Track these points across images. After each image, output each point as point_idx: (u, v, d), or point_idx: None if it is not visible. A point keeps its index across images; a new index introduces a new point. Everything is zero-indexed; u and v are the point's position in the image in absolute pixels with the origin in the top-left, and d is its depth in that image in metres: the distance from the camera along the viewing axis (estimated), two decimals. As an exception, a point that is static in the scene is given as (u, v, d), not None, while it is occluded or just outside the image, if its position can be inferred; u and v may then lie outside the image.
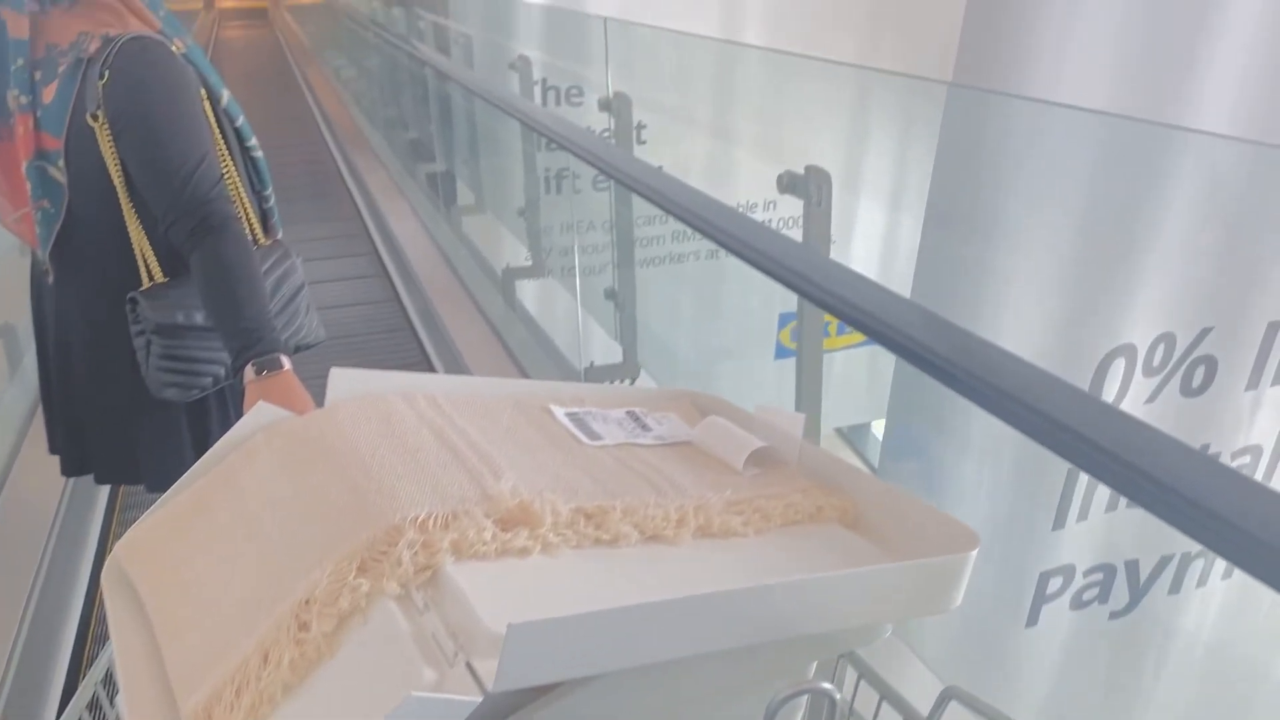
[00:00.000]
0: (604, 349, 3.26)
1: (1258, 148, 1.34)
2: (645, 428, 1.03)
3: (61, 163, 1.50)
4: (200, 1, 18.80)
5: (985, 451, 1.69)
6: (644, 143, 3.30)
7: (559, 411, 1.02)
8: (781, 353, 4.39)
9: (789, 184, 1.55)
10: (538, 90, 3.82)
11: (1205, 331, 1.57)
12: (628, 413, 1.06)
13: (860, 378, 3.92)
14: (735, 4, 4.11)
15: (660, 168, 3.79)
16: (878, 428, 5.99)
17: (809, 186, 1.49)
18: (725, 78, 4.13)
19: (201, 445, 1.68)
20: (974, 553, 0.79)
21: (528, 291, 3.88)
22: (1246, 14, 1.25)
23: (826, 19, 4.16)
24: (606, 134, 3.88)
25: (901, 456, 1.88)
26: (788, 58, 3.83)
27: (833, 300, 1.20)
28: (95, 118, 1.46)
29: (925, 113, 4.24)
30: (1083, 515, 1.74)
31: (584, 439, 0.97)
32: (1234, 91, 1.30)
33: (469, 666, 0.62)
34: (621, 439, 0.99)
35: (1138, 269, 1.44)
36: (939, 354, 1.03)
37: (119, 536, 1.06)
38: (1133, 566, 1.86)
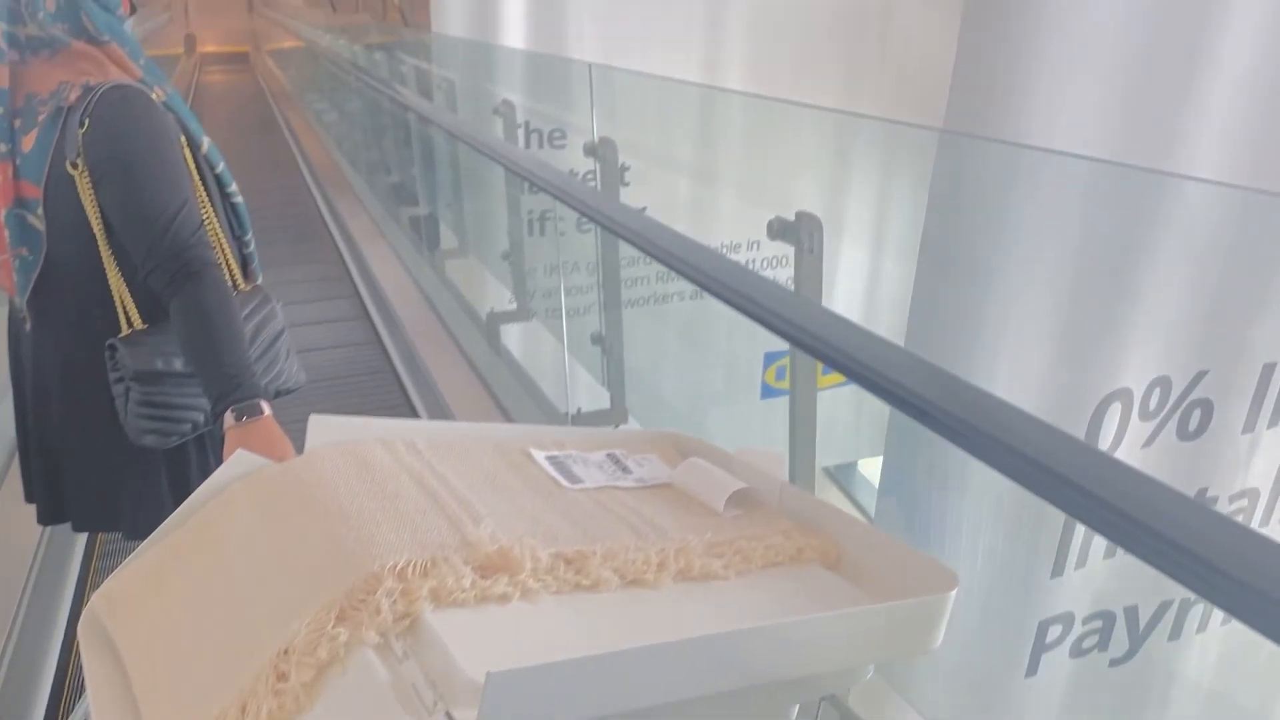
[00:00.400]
0: (590, 393, 3.24)
1: (1246, 193, 1.33)
2: (626, 470, 1.03)
3: (40, 210, 1.50)
4: (181, 46, 18.88)
5: (983, 498, 1.67)
6: (627, 184, 3.30)
7: (539, 455, 1.02)
8: (767, 392, 4.36)
9: (780, 230, 1.53)
10: (521, 133, 3.82)
11: (1201, 374, 1.56)
12: (608, 455, 1.06)
13: (846, 417, 3.90)
14: (717, 50, 4.15)
15: (644, 209, 3.81)
16: (865, 466, 5.97)
17: (800, 233, 1.47)
18: (707, 121, 4.16)
19: (180, 492, 1.65)
20: (953, 593, 0.79)
21: (513, 336, 3.85)
22: (1236, 60, 1.25)
23: (810, 65, 4.21)
24: (589, 176, 3.88)
25: (898, 503, 1.85)
26: (769, 102, 3.85)
27: (829, 351, 1.18)
28: (75, 166, 1.46)
29: (910, 157, 4.29)
30: (1081, 562, 1.72)
31: (564, 483, 0.98)
32: (1225, 136, 1.30)
33: (448, 716, 0.62)
34: (602, 482, 1.00)
35: (1132, 313, 1.43)
36: (934, 404, 1.02)
37: (96, 584, 1.04)
38: (1132, 613, 1.83)
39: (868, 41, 4.28)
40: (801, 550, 0.91)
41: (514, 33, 3.87)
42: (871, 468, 5.73)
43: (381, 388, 4.15)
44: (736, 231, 4.39)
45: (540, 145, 3.97)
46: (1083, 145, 1.29)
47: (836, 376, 1.18)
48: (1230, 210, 1.37)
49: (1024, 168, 1.28)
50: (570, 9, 3.86)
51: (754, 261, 4.42)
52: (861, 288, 4.39)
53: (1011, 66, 1.22)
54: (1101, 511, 0.83)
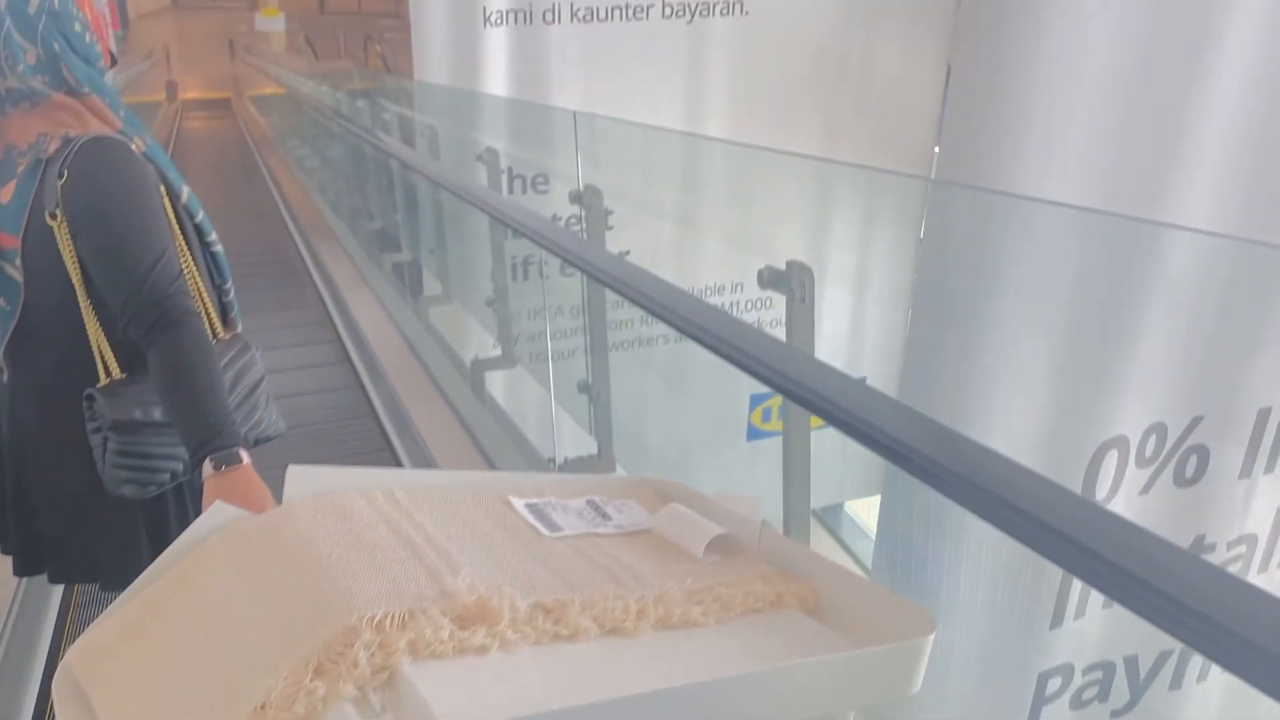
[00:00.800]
0: (576, 439, 3.21)
1: (1237, 242, 1.34)
2: (605, 517, 1.03)
3: (18, 261, 1.50)
4: (163, 93, 18.92)
5: (980, 547, 1.64)
6: (611, 228, 3.31)
7: (519, 503, 1.02)
8: (753, 434, 4.35)
9: (770, 279, 1.52)
10: (504, 178, 3.83)
11: (1196, 420, 1.55)
12: (588, 502, 1.06)
13: (831, 458, 3.87)
14: (699, 98, 4.18)
15: (627, 252, 3.81)
16: (851, 508, 5.95)
17: (791, 282, 1.46)
18: (688, 167, 4.19)
19: (158, 542, 1.64)
20: (931, 637, 0.79)
21: (497, 383, 3.82)
22: (1224, 111, 1.26)
23: (789, 112, 4.25)
24: (573, 220, 3.89)
25: (895, 553, 1.82)
26: (751, 149, 3.89)
27: (823, 404, 1.17)
28: (54, 216, 1.47)
29: (894, 204, 4.33)
30: (1080, 612, 1.69)
31: (544, 530, 0.98)
32: (1214, 186, 1.30)
33: None
34: (581, 529, 1.00)
35: (1127, 360, 1.42)
36: (930, 458, 1.01)
37: (74, 636, 1.01)
38: (1132, 663, 1.81)
39: (847, 89, 4.34)
40: (781, 596, 0.91)
41: (497, 81, 3.88)
42: (859, 509, 5.71)
43: (363, 433, 4.11)
44: (720, 274, 4.42)
45: (524, 190, 3.98)
46: (1074, 196, 1.29)
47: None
48: (1221, 258, 1.38)
49: (1018, 217, 1.28)
50: (553, 58, 3.88)
51: (738, 304, 4.44)
52: (845, 330, 4.41)
53: (1002, 120, 1.22)
54: (1099, 567, 0.82)
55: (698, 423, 4.13)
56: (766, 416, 4.27)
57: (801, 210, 4.34)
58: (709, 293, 4.45)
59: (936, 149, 4.69)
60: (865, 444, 1.10)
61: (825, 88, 4.33)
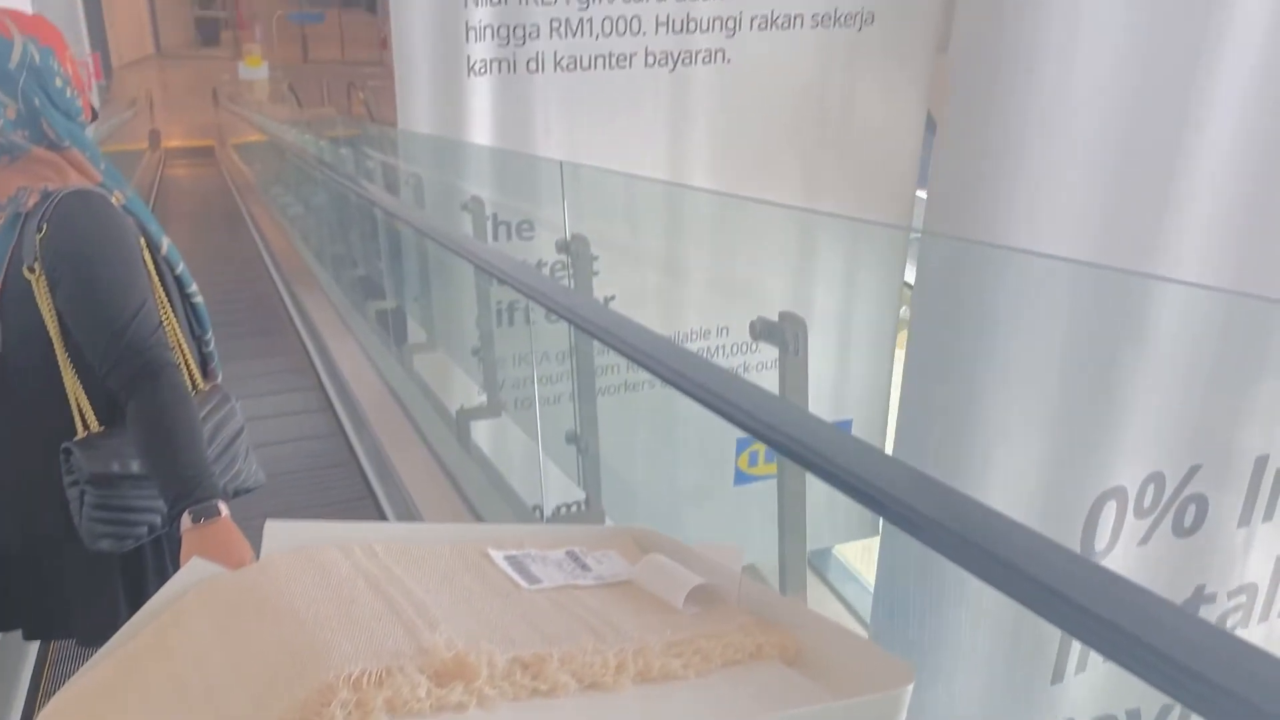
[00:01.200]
0: (562, 488, 3.17)
1: (1230, 295, 1.34)
2: (585, 568, 1.03)
3: None
4: (146, 141, 18.95)
5: (980, 605, 1.62)
6: (597, 273, 3.31)
7: (498, 555, 1.02)
8: (740, 479, 4.32)
9: (763, 331, 1.50)
10: (489, 225, 3.83)
11: (1194, 469, 1.54)
12: (567, 553, 1.06)
13: (820, 502, 3.84)
14: (681, 146, 4.21)
15: (613, 297, 3.80)
16: (840, 552, 5.90)
17: (784, 334, 1.44)
18: (672, 215, 4.21)
19: (136, 597, 1.64)
20: (909, 687, 0.79)
21: (483, 433, 3.78)
22: (1214, 163, 1.26)
23: (771, 161, 4.29)
24: (558, 266, 3.88)
25: (894, 612, 1.79)
26: (733, 197, 3.91)
27: (819, 460, 1.14)
28: (32, 270, 1.47)
29: (878, 254, 4.35)
30: (1081, 667, 1.66)
31: (523, 583, 0.97)
32: (1205, 237, 1.30)
33: None
34: (561, 581, 0.99)
35: (1124, 410, 1.41)
36: (927, 516, 1.00)
37: (49, 693, 0.98)
38: (1134, 716, 1.78)
39: (829, 134, 4.38)
40: (761, 647, 0.91)
41: (481, 129, 3.90)
42: (848, 553, 5.67)
43: (345, 482, 4.06)
44: (706, 319, 4.43)
45: (509, 237, 3.98)
46: (1065, 247, 1.29)
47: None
48: (1215, 309, 1.37)
49: (1011, 269, 1.27)
50: (537, 107, 3.91)
51: (724, 347, 4.44)
52: (830, 373, 4.41)
53: (993, 171, 1.22)
54: (1092, 625, 0.81)
55: (684, 468, 4.10)
56: (753, 461, 4.25)
57: (785, 256, 4.36)
58: (695, 336, 4.46)
59: (920, 193, 4.73)
60: (860, 500, 1.08)
61: (807, 133, 4.37)
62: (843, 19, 4.26)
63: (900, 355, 4.40)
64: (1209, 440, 1.51)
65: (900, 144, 4.49)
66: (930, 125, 4.70)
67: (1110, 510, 1.52)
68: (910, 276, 4.66)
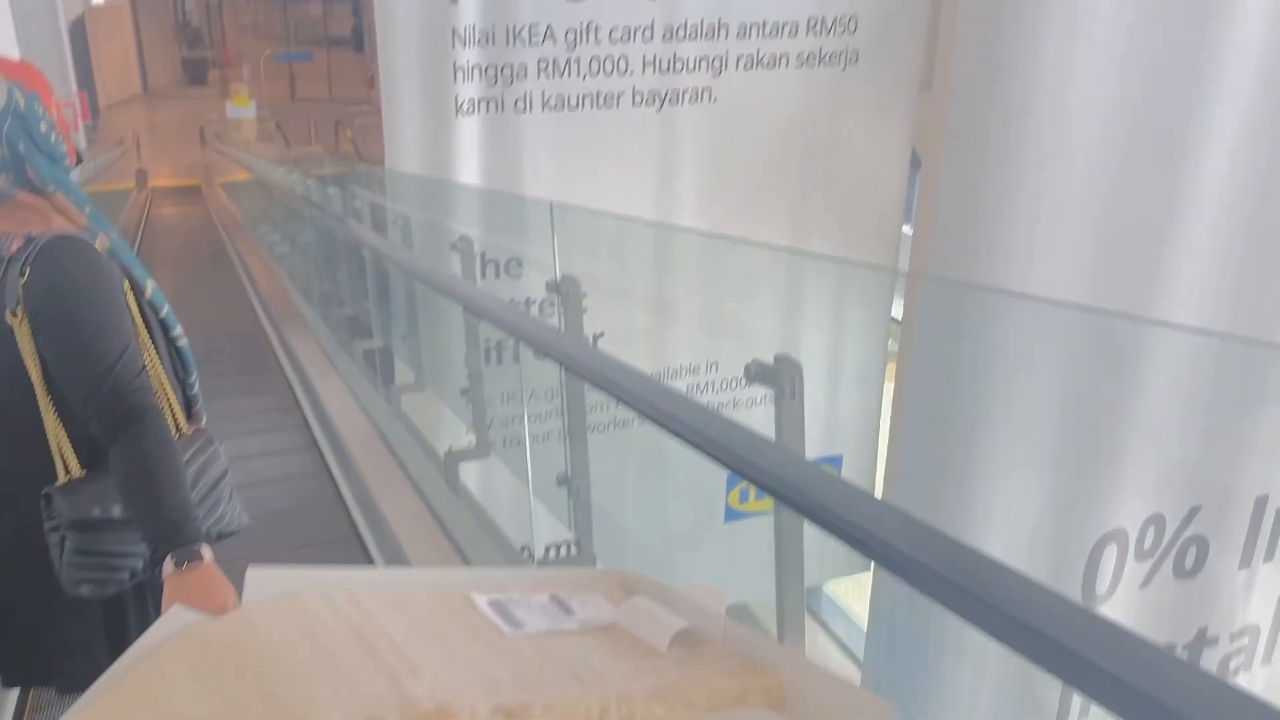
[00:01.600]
0: (551, 528, 3.14)
1: (1229, 340, 1.33)
2: (569, 612, 1.02)
3: None
4: (133, 181, 18.95)
5: (977, 647, 1.59)
6: (585, 309, 3.30)
7: (481, 600, 1.01)
8: (731, 515, 4.29)
9: (758, 374, 1.48)
10: (478, 262, 3.83)
11: (1194, 511, 1.52)
12: (551, 597, 1.05)
13: (812, 537, 3.79)
14: (669, 183, 4.23)
15: (602, 334, 3.79)
16: (831, 589, 5.85)
17: (780, 378, 1.42)
18: (657, 253, 4.22)
19: (117, 643, 1.62)
20: None
21: (472, 475, 3.75)
22: (1212, 208, 1.26)
23: (757, 200, 4.32)
24: (547, 303, 3.86)
25: (886, 651, 1.76)
26: (718, 236, 3.93)
27: (814, 508, 1.12)
28: (14, 314, 1.48)
29: (865, 294, 4.36)
30: (1084, 713, 1.64)
31: (506, 628, 0.97)
32: (1203, 280, 1.30)
33: None
34: (544, 626, 0.99)
35: (1123, 453, 1.40)
36: (919, 563, 0.98)
37: None
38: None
39: (814, 169, 4.41)
40: (746, 691, 0.90)
41: (469, 167, 3.91)
42: (839, 590, 5.62)
43: (331, 523, 4.01)
44: (695, 355, 4.43)
45: (497, 275, 3.98)
46: (1061, 289, 1.28)
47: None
48: (1211, 353, 1.36)
49: (1007, 312, 1.26)
50: (525, 146, 3.92)
51: (714, 383, 4.44)
52: (820, 410, 4.40)
53: (990, 215, 1.22)
54: (1091, 675, 0.79)
55: (675, 504, 4.07)
56: (744, 497, 4.22)
57: (773, 292, 4.37)
58: (685, 372, 4.46)
59: (906, 229, 4.76)
60: (852, 545, 1.06)
61: (793, 170, 4.41)
62: (827, 58, 4.30)
63: (889, 389, 4.40)
64: (1208, 481, 1.50)
65: (885, 180, 4.54)
66: (915, 162, 4.74)
67: (1111, 553, 1.50)
68: (898, 312, 4.68)
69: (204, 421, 1.78)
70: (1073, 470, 1.40)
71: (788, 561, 1.87)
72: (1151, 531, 1.52)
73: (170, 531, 1.39)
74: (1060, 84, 1.19)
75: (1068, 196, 1.20)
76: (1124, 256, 1.27)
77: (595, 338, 3.57)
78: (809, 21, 4.22)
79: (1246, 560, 1.62)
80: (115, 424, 1.44)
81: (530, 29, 3.78)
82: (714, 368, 4.53)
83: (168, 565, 1.38)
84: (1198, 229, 1.24)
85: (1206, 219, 1.24)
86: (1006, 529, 1.44)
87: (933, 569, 0.96)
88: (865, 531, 1.05)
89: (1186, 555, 1.58)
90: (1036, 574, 0.89)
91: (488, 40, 3.75)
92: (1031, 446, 1.37)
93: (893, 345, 4.70)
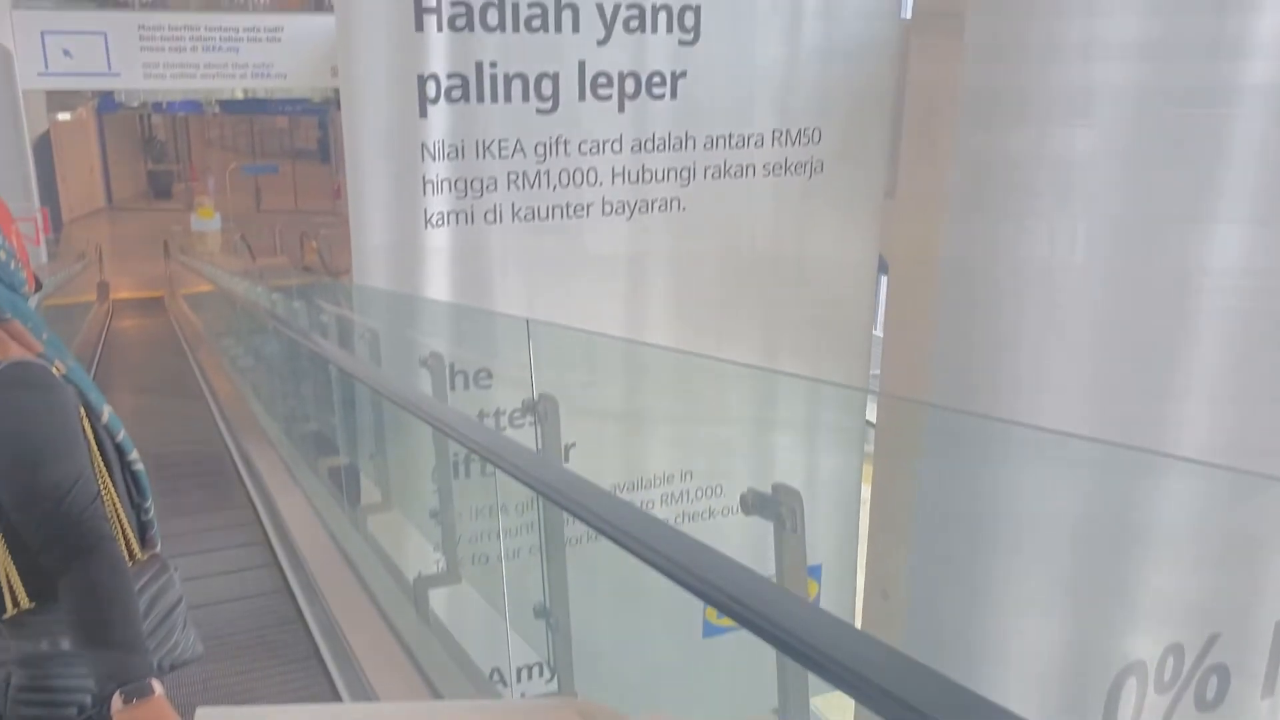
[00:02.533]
0: (524, 658, 2.99)
1: (1235, 473, 1.29)
2: None
3: None
4: (94, 293, 18.80)
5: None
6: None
7: None
8: (710, 630, 4.14)
9: (755, 504, 1.40)
10: (446, 373, 3.77)
11: (1214, 639, 1.45)
12: None
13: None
14: (640, 291, 4.24)
15: (573, 444, 3.69)
16: (818, 704, 5.64)
17: (779, 508, 1.34)
18: (629, 367, 4.20)
19: None
20: None
21: (441, 601, 3.59)
22: (1216, 340, 1.23)
23: (729, 318, 4.35)
24: (516, 414, 3.77)
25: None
26: (686, 352, 3.93)
27: (821, 659, 1.03)
28: None
29: (837, 393, 4.35)
30: None
31: None
32: (1210, 409, 1.26)
33: None
34: None
35: (1139, 584, 1.33)
36: (908, 704, 0.90)
37: None
38: None
39: (784, 275, 4.45)
40: None
41: (438, 280, 3.87)
42: (829, 707, 5.42)
43: (292, 642, 3.80)
44: (669, 464, 4.36)
45: (465, 386, 3.91)
46: (1068, 419, 1.23)
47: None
48: (1220, 483, 1.32)
49: (1017, 442, 1.21)
50: (495, 258, 3.91)
51: (689, 492, 4.36)
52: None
53: (996, 343, 1.17)
54: None
55: (650, 623, 3.92)
56: (721, 613, 4.07)
57: (748, 400, 4.33)
58: (659, 481, 4.40)
59: (876, 332, 4.78)
60: (868, 705, 0.97)
61: (764, 274, 4.45)
62: (793, 167, 4.37)
63: (867, 490, 4.34)
64: (1227, 609, 1.43)
65: (855, 285, 4.58)
66: (882, 266, 4.79)
67: (1131, 687, 1.42)
68: (872, 415, 4.65)
69: (159, 547, 1.74)
70: (1089, 605, 1.34)
71: (789, 679, 1.76)
72: (1171, 661, 1.45)
73: (119, 665, 1.36)
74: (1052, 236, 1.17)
75: (1074, 328, 1.17)
76: (1131, 389, 1.23)
77: (567, 448, 3.48)
78: (773, 133, 4.29)
79: (1270, 689, 1.54)
80: (67, 554, 1.41)
81: (500, 143, 3.80)
82: (688, 476, 4.47)
83: (116, 701, 1.35)
84: (1201, 365, 1.20)
85: (1211, 354, 1.21)
86: (1024, 666, 1.36)
87: (917, 708, 0.88)
88: (875, 685, 0.97)
89: (1208, 686, 1.50)
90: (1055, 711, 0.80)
91: (457, 154, 3.75)
92: (1045, 580, 1.30)
93: (869, 448, 4.66)
